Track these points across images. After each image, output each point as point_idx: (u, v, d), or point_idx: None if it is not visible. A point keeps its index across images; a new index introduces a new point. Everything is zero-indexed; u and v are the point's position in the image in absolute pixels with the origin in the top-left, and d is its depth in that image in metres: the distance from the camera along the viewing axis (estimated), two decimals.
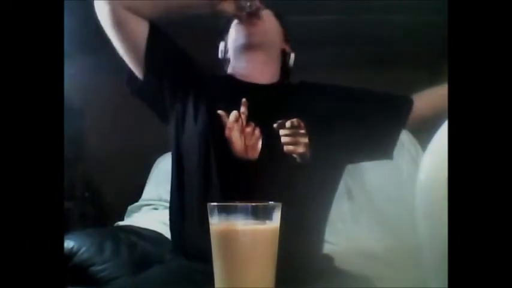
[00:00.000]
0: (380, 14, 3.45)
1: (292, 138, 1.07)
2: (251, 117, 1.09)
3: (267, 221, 0.65)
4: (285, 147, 1.07)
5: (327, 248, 1.24)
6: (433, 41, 3.03)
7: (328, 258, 1.17)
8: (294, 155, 1.08)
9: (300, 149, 1.08)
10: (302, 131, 1.08)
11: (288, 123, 1.05)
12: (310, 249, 1.11)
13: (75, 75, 2.84)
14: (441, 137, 1.03)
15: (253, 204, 0.65)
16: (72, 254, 1.49)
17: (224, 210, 0.65)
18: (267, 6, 1.25)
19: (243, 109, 1.08)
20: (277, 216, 0.65)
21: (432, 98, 1.27)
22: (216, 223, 0.65)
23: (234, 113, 1.08)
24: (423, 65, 4.43)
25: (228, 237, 0.64)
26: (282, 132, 1.07)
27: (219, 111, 1.08)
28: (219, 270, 0.64)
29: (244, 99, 1.09)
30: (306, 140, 1.09)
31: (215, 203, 0.65)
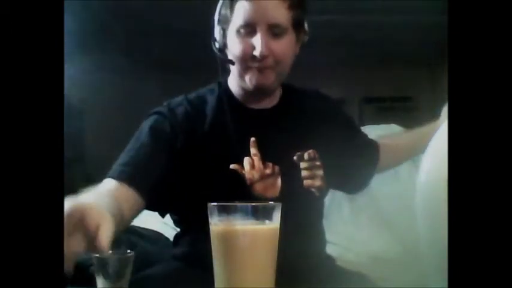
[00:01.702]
0: (380, 14, 3.46)
1: (310, 171, 1.05)
2: (264, 155, 1.04)
3: (267, 221, 0.64)
4: (305, 182, 1.05)
5: (328, 248, 1.24)
6: (433, 41, 3.03)
7: (329, 258, 1.17)
8: (312, 189, 1.07)
9: (317, 182, 1.06)
10: (318, 163, 1.06)
11: (306, 155, 1.03)
12: (311, 249, 1.11)
13: (75, 75, 2.86)
14: (441, 138, 1.03)
15: (253, 204, 0.64)
16: None
17: (224, 210, 0.64)
18: None
19: (254, 151, 1.03)
20: (277, 216, 0.65)
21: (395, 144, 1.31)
22: (216, 223, 0.64)
23: (248, 160, 1.02)
24: (423, 64, 4.45)
25: (228, 237, 0.63)
26: (302, 165, 1.04)
27: (232, 166, 1.01)
28: (219, 270, 0.64)
29: (252, 139, 1.03)
30: (321, 172, 1.07)
31: (215, 203, 0.65)
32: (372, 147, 1.28)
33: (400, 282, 1.18)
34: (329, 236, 1.26)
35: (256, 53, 1.00)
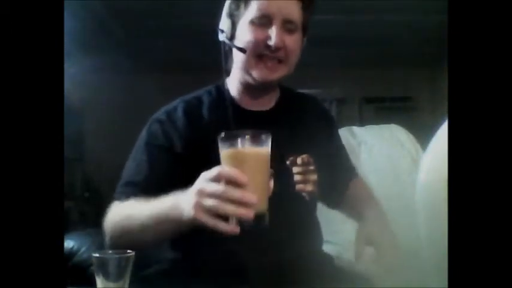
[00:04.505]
0: (380, 13, 3.46)
1: (303, 176, 1.07)
2: None
3: (264, 146, 0.79)
4: (297, 186, 1.07)
5: (327, 248, 1.24)
6: (433, 41, 3.03)
7: (328, 258, 1.17)
8: (303, 193, 1.08)
9: (310, 187, 1.08)
10: (311, 168, 1.08)
11: (299, 160, 1.06)
12: (306, 247, 1.11)
13: (75, 75, 2.86)
14: (441, 137, 1.02)
15: (253, 132, 0.79)
16: (72, 254, 1.49)
17: (231, 138, 0.79)
18: None
19: None
20: (268, 143, 0.80)
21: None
22: (226, 148, 0.79)
23: None
24: (423, 64, 4.45)
25: (235, 158, 0.78)
26: (294, 170, 1.07)
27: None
28: None
29: None
30: (315, 177, 1.09)
31: (223, 133, 0.80)
32: (350, 171, 1.28)
33: (400, 282, 1.18)
34: (328, 235, 1.25)
35: (271, 43, 1.03)
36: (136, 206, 0.97)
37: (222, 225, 0.77)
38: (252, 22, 1.05)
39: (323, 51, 4.10)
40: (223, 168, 0.78)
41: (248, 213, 0.75)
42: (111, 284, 0.75)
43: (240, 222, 0.77)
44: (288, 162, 1.06)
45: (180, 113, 1.10)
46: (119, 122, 4.01)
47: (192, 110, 1.11)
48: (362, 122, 4.15)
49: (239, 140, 0.78)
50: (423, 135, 1.45)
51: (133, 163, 1.07)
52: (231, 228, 0.77)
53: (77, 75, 2.98)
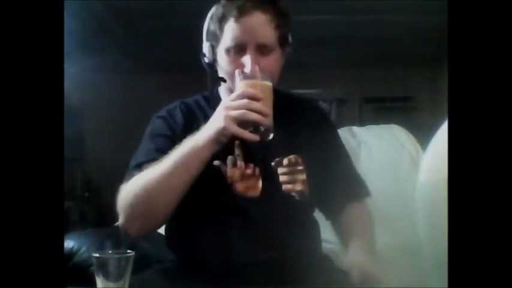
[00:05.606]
0: (380, 13, 3.47)
1: (290, 176, 1.06)
2: (248, 156, 1.08)
3: (269, 81, 1.00)
4: (283, 186, 1.06)
5: (327, 248, 1.23)
6: (433, 41, 3.03)
7: (328, 258, 1.17)
8: (293, 193, 1.08)
9: (298, 187, 1.07)
10: (300, 168, 1.07)
11: (285, 161, 1.05)
12: (307, 248, 1.11)
13: (75, 75, 2.86)
14: (441, 137, 1.02)
15: (262, 74, 1.00)
16: (72, 254, 1.49)
17: (248, 73, 1.00)
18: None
19: (237, 151, 1.07)
20: (271, 82, 1.01)
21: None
22: (242, 80, 0.99)
23: (231, 158, 1.07)
24: (423, 64, 4.45)
25: (252, 84, 0.98)
26: (279, 170, 1.06)
27: (215, 162, 1.05)
28: None
29: (237, 142, 1.07)
30: (303, 176, 1.07)
31: (239, 70, 1.01)
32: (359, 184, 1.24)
33: (400, 282, 1.18)
34: (327, 235, 1.25)
35: (247, 71, 1.05)
36: (151, 169, 1.01)
37: (246, 134, 0.95)
38: (228, 51, 1.07)
39: (323, 51, 4.10)
40: (245, 87, 0.97)
41: (266, 121, 0.94)
42: (111, 284, 0.75)
43: (256, 130, 0.95)
44: (273, 164, 1.06)
45: (178, 111, 1.16)
46: (119, 122, 4.02)
47: (188, 110, 1.17)
48: (362, 122, 4.15)
49: (252, 75, 1.01)
50: (423, 135, 1.45)
51: (141, 152, 1.13)
52: (252, 136, 0.94)
53: (77, 75, 2.98)
